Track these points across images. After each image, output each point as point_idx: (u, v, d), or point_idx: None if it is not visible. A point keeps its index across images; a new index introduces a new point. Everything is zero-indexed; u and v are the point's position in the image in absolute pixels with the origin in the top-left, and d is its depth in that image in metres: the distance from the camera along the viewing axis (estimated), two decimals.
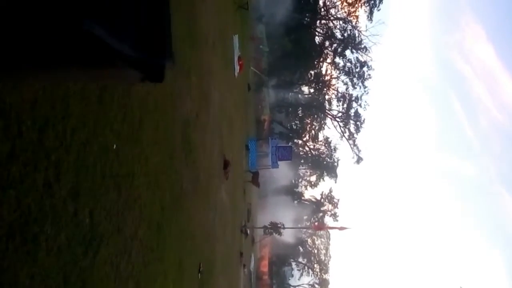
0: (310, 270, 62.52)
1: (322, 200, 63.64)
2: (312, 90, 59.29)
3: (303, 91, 60.80)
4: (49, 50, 0.99)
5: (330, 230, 49.37)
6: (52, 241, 3.18)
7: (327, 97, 57.49)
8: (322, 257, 63.23)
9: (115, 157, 4.48)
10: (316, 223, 54.63)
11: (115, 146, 4.39)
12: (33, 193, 2.95)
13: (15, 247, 2.77)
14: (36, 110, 2.97)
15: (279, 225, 34.59)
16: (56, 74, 1.43)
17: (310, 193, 66.24)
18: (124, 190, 4.78)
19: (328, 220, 60.84)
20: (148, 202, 5.70)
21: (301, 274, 62.77)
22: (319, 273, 62.49)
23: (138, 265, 5.21)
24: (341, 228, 30.64)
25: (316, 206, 63.30)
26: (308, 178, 65.82)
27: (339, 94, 55.79)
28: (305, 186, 66.82)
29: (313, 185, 63.97)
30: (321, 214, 62.75)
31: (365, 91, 53.31)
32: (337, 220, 59.90)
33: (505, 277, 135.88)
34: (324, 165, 58.84)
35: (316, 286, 62.32)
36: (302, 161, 60.71)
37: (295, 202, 62.29)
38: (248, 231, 26.12)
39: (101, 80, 3.01)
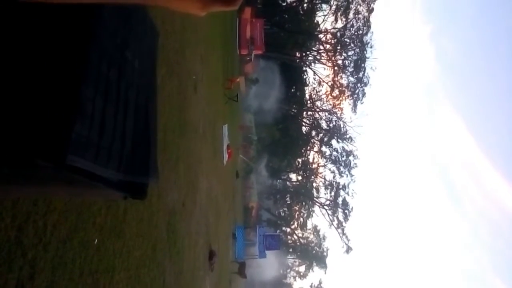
0: None
1: None
2: (299, 178, 60.01)
3: (291, 179, 61.44)
4: (31, 171, 1.02)
5: None
6: None
7: (314, 184, 58.11)
8: None
9: (96, 252, 4.32)
10: None
11: (96, 241, 4.27)
12: None
13: None
14: (18, 207, 2.93)
15: None
16: (36, 190, 1.44)
17: (299, 285, 63.54)
18: (102, 287, 4.54)
19: None
20: None
21: None
22: None
23: None
24: None
25: None
26: (296, 269, 63.60)
27: (327, 182, 56.48)
28: (294, 277, 64.32)
29: (302, 276, 61.69)
30: None
31: (352, 180, 54.22)
32: None
33: None
34: (313, 254, 57.35)
35: None
36: (291, 250, 59.18)
37: None
38: None
39: (83, 197, 3.03)
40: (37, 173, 1.01)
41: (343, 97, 54.37)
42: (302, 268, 61.60)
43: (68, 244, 3.69)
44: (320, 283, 60.43)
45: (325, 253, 57.37)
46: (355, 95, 53.14)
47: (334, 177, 55.45)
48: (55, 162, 0.95)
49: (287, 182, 61.06)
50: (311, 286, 60.96)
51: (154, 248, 7.08)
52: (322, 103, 57.38)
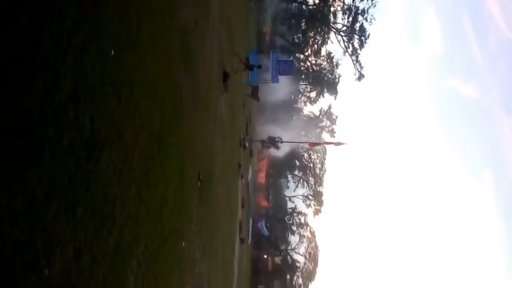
0: (305, 182, 65.02)
1: (320, 116, 64.08)
2: (316, 1, 56.47)
3: (307, 2, 57.96)
4: None
5: (326, 145, 50.34)
6: (56, 144, 3.25)
7: (332, 9, 54.96)
8: (318, 171, 65.37)
9: (114, 64, 4.40)
10: (313, 139, 55.60)
11: (112, 52, 4.29)
12: (33, 97, 2.95)
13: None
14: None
15: (276, 139, 35.22)
16: None
17: (309, 109, 66.47)
18: (124, 98, 4.77)
19: (325, 136, 61.89)
20: (148, 111, 5.73)
21: (296, 186, 65.37)
22: (313, 186, 65.10)
23: (139, 171, 5.39)
24: (337, 144, 31.20)
25: (314, 122, 63.92)
26: (308, 94, 65.50)
27: (345, 6, 53.32)
28: (305, 102, 66.78)
29: (313, 101, 63.87)
30: (318, 130, 63.60)
31: (372, 4, 50.93)
32: (334, 136, 60.95)
33: (492, 199, 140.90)
34: (325, 81, 58.23)
35: (310, 197, 65.30)
36: (303, 76, 59.92)
37: (294, 117, 62.77)
38: (247, 144, 26.62)
39: None
40: None
41: None
42: (313, 94, 63.49)
43: (86, 53, 3.72)
44: (329, 108, 63.13)
45: (336, 80, 58.16)
46: None
47: (353, 1, 52.14)
48: None
49: (303, 6, 57.85)
50: (320, 110, 63.91)
51: (170, 65, 7.19)
52: None
